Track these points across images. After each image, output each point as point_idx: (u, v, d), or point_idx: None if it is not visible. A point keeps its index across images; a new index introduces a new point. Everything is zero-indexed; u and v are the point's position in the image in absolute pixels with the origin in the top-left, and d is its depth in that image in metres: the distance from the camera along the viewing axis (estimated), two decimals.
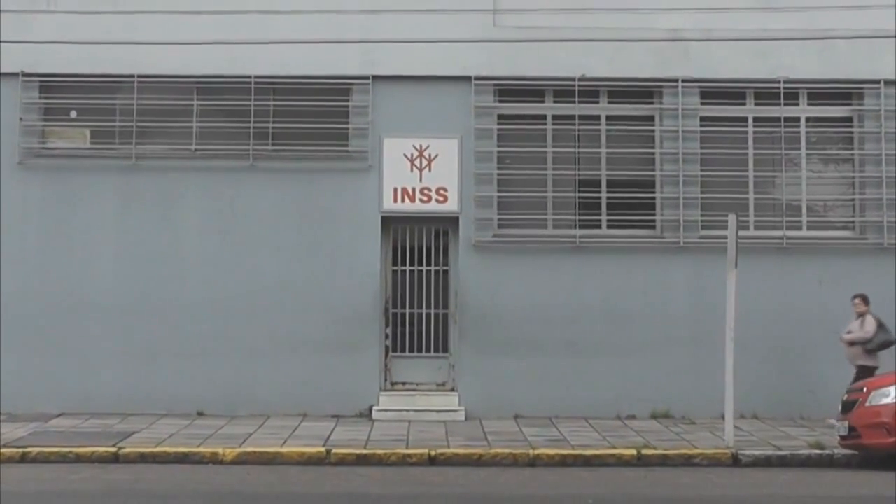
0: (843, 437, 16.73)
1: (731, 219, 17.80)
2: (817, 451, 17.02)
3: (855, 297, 19.42)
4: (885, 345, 19.09)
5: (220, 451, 16.92)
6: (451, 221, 21.02)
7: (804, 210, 21.18)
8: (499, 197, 21.00)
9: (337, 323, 20.67)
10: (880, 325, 19.12)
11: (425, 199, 20.87)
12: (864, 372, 18.83)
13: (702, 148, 21.02)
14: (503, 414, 20.27)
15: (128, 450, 16.98)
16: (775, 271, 20.75)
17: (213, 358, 20.53)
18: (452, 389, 20.89)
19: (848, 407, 16.73)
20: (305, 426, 19.33)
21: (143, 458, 16.75)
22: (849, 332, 19.26)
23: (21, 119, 20.84)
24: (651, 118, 21.27)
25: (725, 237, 17.88)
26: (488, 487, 14.90)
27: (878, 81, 20.92)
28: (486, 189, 20.90)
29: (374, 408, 20.42)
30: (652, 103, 21.23)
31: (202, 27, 20.31)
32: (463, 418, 20.20)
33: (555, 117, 21.19)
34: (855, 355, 19.15)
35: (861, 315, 19.29)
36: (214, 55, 20.55)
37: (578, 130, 21.03)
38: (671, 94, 21.03)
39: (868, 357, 19.03)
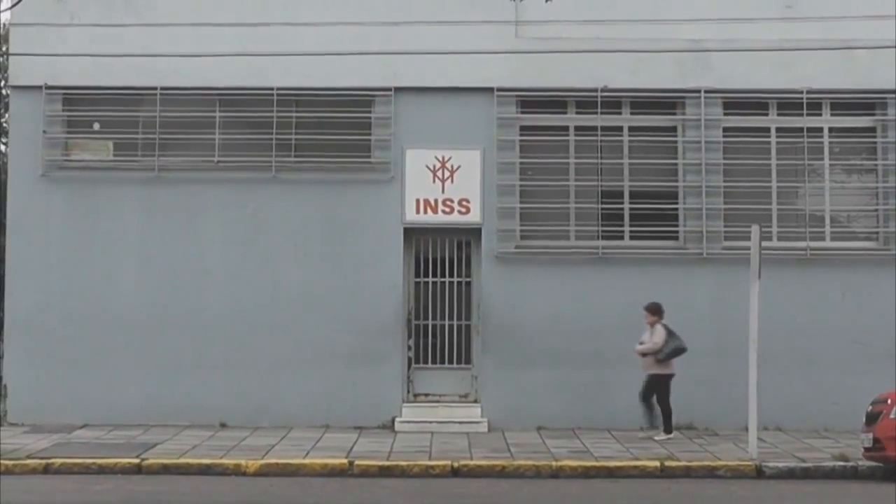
0: (867, 449, 16.64)
1: (755, 230, 17.75)
2: (841, 463, 16.93)
3: (645, 307, 19.39)
4: (676, 352, 19.12)
5: (242, 462, 16.93)
6: (474, 233, 21.01)
7: (827, 221, 21.11)
8: (521, 208, 20.99)
9: (360, 334, 20.68)
10: (670, 334, 19.11)
11: (448, 210, 20.87)
12: (658, 381, 19.05)
13: (724, 159, 20.97)
14: (526, 425, 20.24)
15: (151, 461, 17.00)
16: (799, 282, 20.68)
17: (235, 369, 20.56)
18: (475, 401, 20.87)
19: (872, 419, 16.64)
20: (328, 438, 19.33)
21: (166, 470, 16.76)
22: (641, 343, 19.23)
23: (44, 131, 20.92)
24: (673, 129, 21.24)
25: (748, 248, 17.83)
26: (511, 499, 14.90)
27: None
28: (508, 200, 20.90)
29: (397, 419, 20.41)
30: (674, 114, 21.19)
31: (224, 39, 20.39)
32: (486, 430, 20.18)
33: (577, 128, 21.18)
34: (648, 365, 19.17)
35: (652, 325, 19.24)
36: (237, 67, 20.62)
37: (601, 141, 21.01)
38: (694, 105, 20.98)
39: (660, 366, 19.09)
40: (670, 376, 19.16)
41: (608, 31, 20.40)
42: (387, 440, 19.12)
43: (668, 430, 19.17)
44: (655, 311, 19.35)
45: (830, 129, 21.16)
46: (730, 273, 20.26)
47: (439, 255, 21.24)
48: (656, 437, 19.02)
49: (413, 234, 21.05)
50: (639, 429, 19.35)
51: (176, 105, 21.04)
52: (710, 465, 16.91)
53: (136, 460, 17.01)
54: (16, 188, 21.13)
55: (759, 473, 16.71)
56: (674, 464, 16.94)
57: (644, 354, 19.20)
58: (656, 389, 19.18)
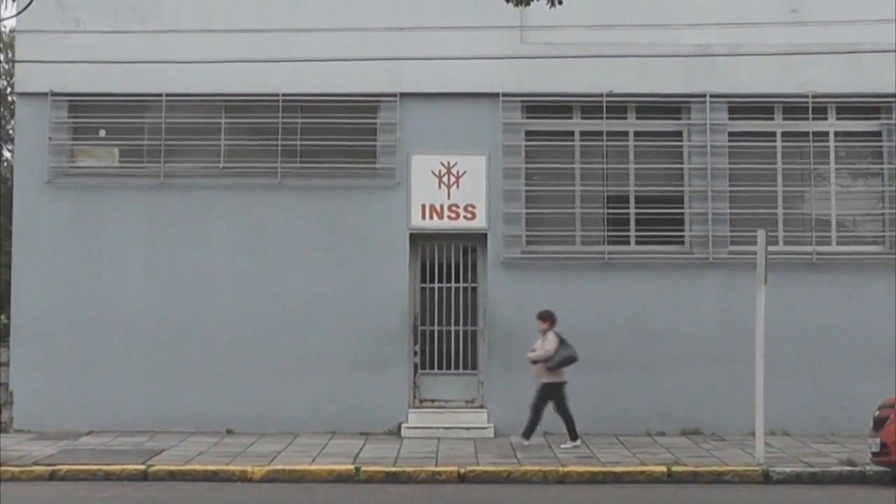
0: (874, 454, 16.61)
1: (761, 234, 17.74)
2: (849, 468, 16.91)
3: (537, 315, 19.29)
4: (567, 361, 18.94)
5: (249, 469, 16.92)
6: (480, 238, 21.00)
7: (833, 225, 21.09)
8: (527, 213, 20.98)
9: (365, 340, 20.67)
10: (561, 342, 18.94)
11: (453, 215, 20.86)
12: (550, 390, 18.92)
13: (730, 163, 20.95)
14: None
15: (157, 467, 16.99)
16: (805, 287, 20.65)
17: (242, 376, 20.55)
18: (481, 406, 20.86)
19: (879, 424, 16.62)
20: (334, 444, 19.32)
21: (172, 476, 16.75)
22: (532, 351, 19.13)
23: (50, 138, 20.93)
24: (679, 134, 21.22)
25: (755, 253, 17.82)
26: None
27: None
28: (514, 206, 20.89)
29: (403, 425, 20.41)
30: (680, 119, 21.17)
31: (230, 45, 20.39)
32: (492, 435, 20.17)
33: (582, 133, 21.17)
34: (539, 373, 19.01)
35: (544, 333, 19.14)
36: (242, 73, 20.62)
37: (606, 146, 21.00)
38: (699, 110, 20.97)
39: (551, 374, 18.92)
40: (562, 384, 18.99)
41: (613, 36, 20.38)
42: (393, 446, 19.11)
43: (573, 437, 19.02)
44: (547, 318, 19.18)
45: (836, 133, 21.14)
46: (736, 277, 20.26)
47: (445, 260, 21.22)
48: (563, 445, 18.91)
49: (419, 240, 21.04)
50: (521, 436, 19.17)
51: (181, 111, 21.05)
52: (717, 470, 16.89)
53: (143, 467, 17.00)
54: (22, 195, 21.13)
55: (766, 478, 16.68)
56: (681, 469, 16.92)
57: (535, 362, 19.03)
58: (550, 399, 19.01)
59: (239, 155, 21.10)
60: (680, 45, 20.57)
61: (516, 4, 15.16)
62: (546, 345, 18.95)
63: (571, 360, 18.95)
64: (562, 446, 18.86)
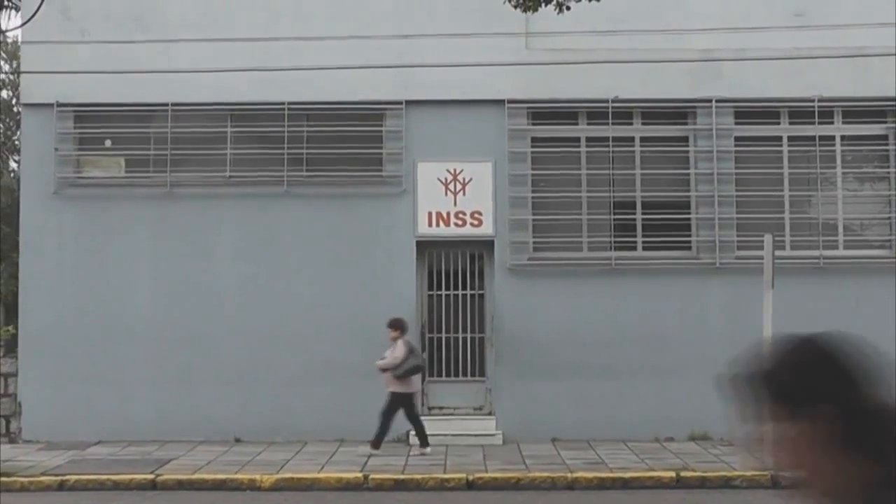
0: None
1: (767, 239, 17.75)
2: None
3: (387, 323, 19.26)
4: (414, 370, 18.98)
5: (257, 477, 16.93)
6: (486, 245, 21.01)
7: (840, 229, 21.06)
8: (533, 220, 20.98)
9: (373, 348, 20.62)
10: (410, 351, 18.94)
11: (460, 223, 20.87)
12: (398, 399, 18.92)
13: (736, 168, 20.95)
14: (541, 437, 20.20)
15: (165, 477, 17.01)
16: (812, 291, 20.62)
17: (249, 384, 20.56)
18: (489, 413, 20.85)
19: None
20: (343, 452, 19.33)
21: (180, 486, 16.78)
22: (382, 359, 19.06)
23: (56, 149, 20.97)
24: (685, 139, 21.21)
25: (762, 258, 17.83)
26: None
27: None
28: (520, 212, 20.89)
29: (412, 432, 20.38)
30: (686, 124, 21.17)
31: (235, 54, 20.42)
32: (500, 442, 20.16)
33: (588, 139, 21.16)
34: (388, 382, 18.97)
35: (394, 341, 19.09)
36: (248, 82, 20.65)
37: (612, 152, 21.00)
38: (705, 115, 20.97)
39: (400, 383, 18.89)
40: (411, 395, 19.04)
41: (618, 41, 20.40)
42: (401, 454, 19.10)
43: (423, 444, 19.05)
44: (397, 326, 19.14)
45: (842, 138, 21.12)
46: (743, 283, 20.23)
47: (452, 267, 21.23)
48: (414, 452, 19.01)
49: (425, 248, 21.05)
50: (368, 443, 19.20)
51: (187, 121, 21.08)
52: (726, 475, 16.89)
53: (151, 476, 17.02)
54: (28, 206, 21.17)
55: (774, 484, 16.64)
56: (689, 474, 16.92)
57: (384, 370, 19.00)
58: (400, 407, 18.98)
59: (245, 164, 21.12)
60: (686, 50, 20.58)
61: (524, 10, 15.20)
62: (394, 353, 18.92)
63: (418, 369, 19.11)
64: (412, 453, 18.98)
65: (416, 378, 19.22)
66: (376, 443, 18.90)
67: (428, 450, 18.89)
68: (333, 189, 20.97)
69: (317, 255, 20.89)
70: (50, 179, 20.98)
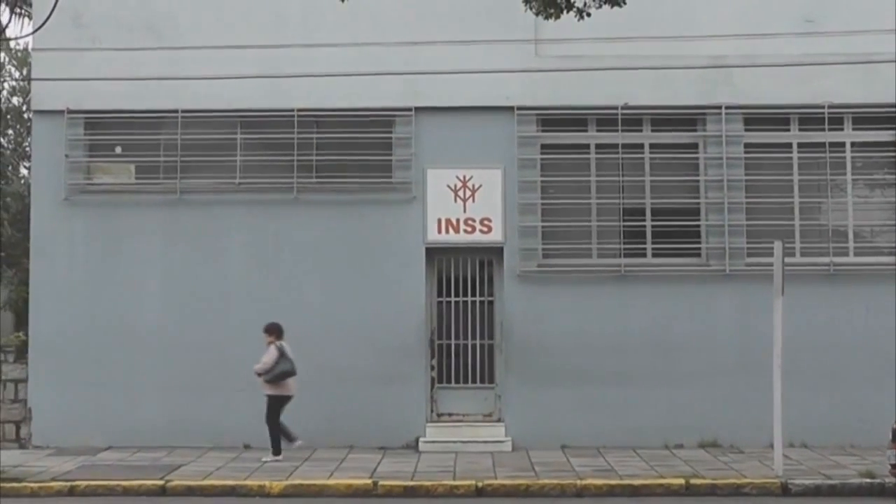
0: (893, 466, 16.48)
1: (777, 246, 17.71)
2: (868, 481, 16.84)
3: (263, 328, 19.52)
4: (285, 375, 19.25)
5: (266, 483, 16.94)
6: (496, 252, 20.99)
7: (851, 236, 21.02)
8: (543, 227, 20.96)
9: (382, 355, 20.66)
10: (282, 355, 19.21)
11: (469, 229, 20.86)
12: (271, 402, 19.21)
13: (746, 175, 20.91)
14: (550, 444, 20.18)
15: (175, 483, 17.02)
16: (822, 298, 20.58)
17: (259, 391, 20.53)
18: (499, 420, 20.83)
19: None
20: (352, 458, 19.32)
21: (190, 491, 16.79)
22: (258, 363, 19.30)
23: (66, 156, 21.00)
24: (695, 145, 21.18)
25: (771, 264, 17.79)
26: None
27: None
28: (530, 219, 20.87)
29: (421, 439, 20.39)
30: (695, 130, 21.14)
31: (245, 61, 20.45)
32: (510, 449, 20.14)
33: (598, 146, 21.14)
34: (262, 385, 19.25)
35: (269, 346, 19.34)
36: (257, 89, 20.69)
37: (622, 159, 20.98)
38: (715, 121, 20.93)
39: (274, 387, 19.24)
40: (285, 398, 19.32)
41: (628, 48, 20.38)
42: (411, 460, 19.09)
43: (275, 451, 19.20)
44: (272, 331, 19.46)
45: (852, 144, 21.08)
46: (753, 289, 20.19)
47: (461, 274, 21.21)
48: (264, 458, 19.06)
49: (435, 254, 21.04)
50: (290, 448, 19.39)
51: (197, 127, 21.10)
52: (736, 482, 16.85)
53: (161, 482, 17.04)
54: (39, 212, 21.20)
55: (784, 491, 16.63)
56: (699, 482, 16.88)
57: (258, 375, 19.26)
58: (279, 407, 19.29)
59: (255, 170, 21.13)
60: (695, 56, 20.54)
61: (546, 17, 15.18)
62: (265, 357, 19.22)
63: (288, 374, 19.31)
64: (263, 459, 19.04)
65: (291, 381, 19.43)
66: (276, 449, 19.20)
67: (280, 457, 19.05)
68: (343, 196, 20.98)
69: (326, 261, 20.89)
70: (60, 186, 21.01)
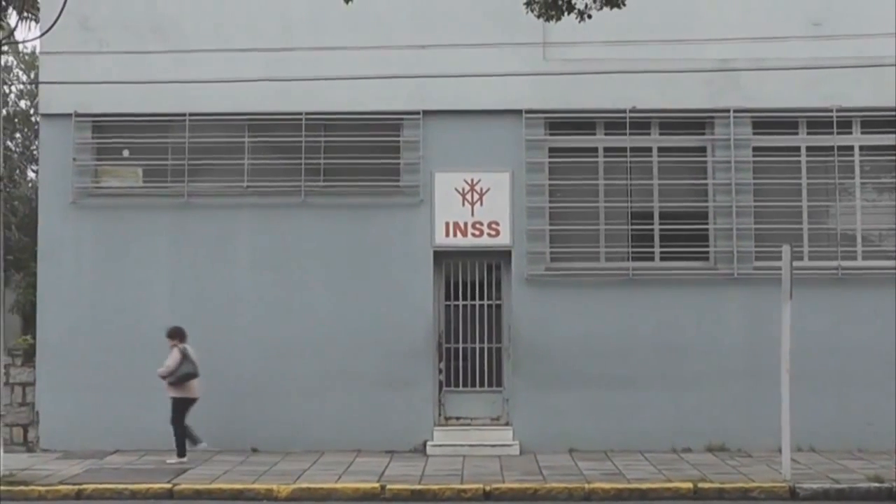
0: None
1: (786, 249, 17.67)
2: (876, 485, 16.80)
3: (166, 333, 19.64)
4: (188, 377, 19.37)
5: (274, 487, 16.93)
6: (504, 255, 20.97)
7: (859, 240, 20.98)
8: (551, 230, 20.94)
9: (390, 358, 20.65)
10: (185, 358, 19.33)
11: (477, 233, 20.84)
12: (179, 404, 19.34)
13: (754, 178, 20.88)
14: (558, 448, 20.17)
15: (183, 486, 17.02)
16: (831, 302, 20.55)
17: (266, 394, 20.58)
18: (506, 424, 20.81)
19: None
20: (360, 462, 19.31)
21: (198, 495, 16.79)
22: (162, 367, 19.43)
23: (74, 159, 21.01)
24: (703, 149, 21.15)
25: (780, 268, 17.76)
26: None
27: None
28: (538, 222, 20.86)
29: (429, 443, 20.37)
30: (703, 134, 21.12)
31: (253, 65, 20.47)
32: (517, 452, 20.11)
33: (606, 149, 21.12)
34: (166, 388, 19.37)
35: (172, 349, 19.45)
36: (265, 92, 20.68)
37: (630, 162, 20.96)
38: (723, 125, 20.91)
39: (178, 389, 19.37)
40: (189, 400, 19.45)
41: (636, 51, 20.38)
42: (418, 464, 19.08)
43: (180, 454, 19.30)
44: (175, 335, 19.59)
45: (861, 148, 21.04)
46: (761, 293, 20.17)
47: (469, 278, 21.20)
48: (168, 460, 19.15)
49: (442, 258, 21.02)
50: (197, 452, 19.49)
51: (205, 131, 21.10)
52: (744, 486, 16.82)
53: (168, 486, 17.04)
54: (46, 215, 21.22)
55: (793, 495, 16.60)
56: (707, 485, 16.85)
57: (163, 377, 19.35)
58: (184, 410, 19.39)
59: (262, 174, 21.13)
60: (703, 60, 20.54)
61: (547, 19, 15.19)
62: (168, 361, 19.36)
63: (191, 376, 19.43)
64: (168, 461, 19.15)
65: (195, 384, 19.52)
66: (180, 451, 19.31)
67: (185, 459, 19.16)
68: (350, 199, 20.97)
69: (334, 264, 20.88)
70: (68, 189, 21.02)
